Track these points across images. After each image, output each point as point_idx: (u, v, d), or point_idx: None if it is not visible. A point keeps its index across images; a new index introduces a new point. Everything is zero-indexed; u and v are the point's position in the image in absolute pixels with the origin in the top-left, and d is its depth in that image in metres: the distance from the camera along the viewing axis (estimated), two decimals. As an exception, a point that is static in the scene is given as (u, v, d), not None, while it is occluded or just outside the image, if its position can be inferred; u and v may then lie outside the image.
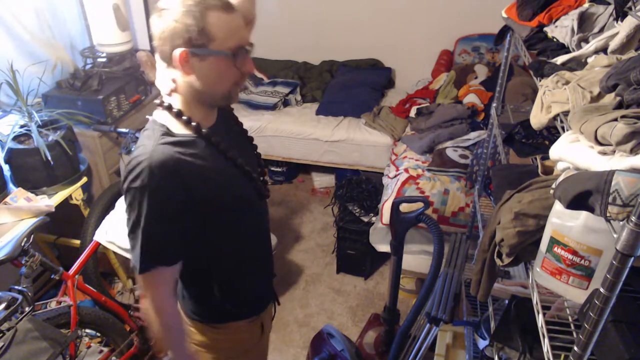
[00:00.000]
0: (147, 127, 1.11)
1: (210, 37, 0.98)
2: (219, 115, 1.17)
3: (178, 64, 0.99)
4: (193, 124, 1.07)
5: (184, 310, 1.30)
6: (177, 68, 1.00)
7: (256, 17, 1.27)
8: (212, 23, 0.97)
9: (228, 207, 1.12)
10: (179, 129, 1.07)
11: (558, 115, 1.06)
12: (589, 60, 1.13)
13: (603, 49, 1.13)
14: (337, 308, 2.71)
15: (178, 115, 1.07)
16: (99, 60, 2.71)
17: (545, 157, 1.43)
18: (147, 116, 1.13)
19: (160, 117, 1.09)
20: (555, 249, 0.93)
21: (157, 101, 1.11)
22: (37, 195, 2.09)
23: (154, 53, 3.35)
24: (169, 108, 1.07)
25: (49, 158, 2.02)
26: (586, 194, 0.73)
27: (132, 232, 1.04)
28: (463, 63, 3.80)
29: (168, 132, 1.06)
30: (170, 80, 1.06)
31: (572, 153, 0.89)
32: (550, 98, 1.10)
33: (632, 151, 0.73)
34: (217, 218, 1.12)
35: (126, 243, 1.90)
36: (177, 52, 0.97)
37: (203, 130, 1.08)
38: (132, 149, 2.26)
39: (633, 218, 0.64)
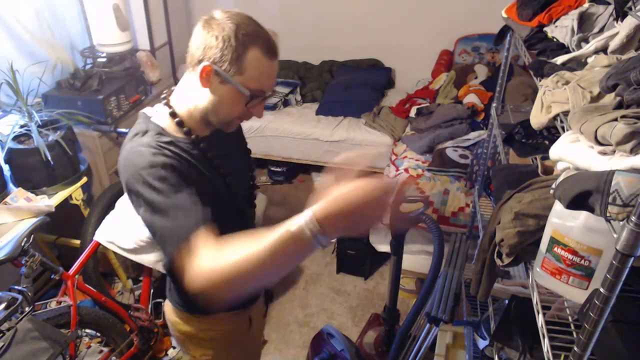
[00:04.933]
0: (140, 122, 1.09)
1: (240, 70, 0.98)
2: None
3: (199, 74, 0.99)
4: (192, 136, 1.07)
5: (171, 301, 1.31)
6: (196, 75, 1.01)
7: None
8: (248, 58, 0.97)
9: None
10: (176, 136, 1.07)
11: (558, 115, 1.06)
12: (589, 60, 1.13)
13: (603, 49, 1.13)
14: (337, 308, 2.71)
15: (179, 124, 1.07)
16: (99, 60, 2.71)
17: (545, 157, 1.42)
18: (142, 110, 1.12)
19: (158, 117, 1.09)
20: (555, 249, 0.92)
21: (163, 97, 1.11)
22: (37, 195, 2.08)
23: (154, 53, 3.35)
24: (173, 115, 1.07)
25: (49, 158, 2.02)
26: (586, 194, 0.73)
27: (156, 212, 0.94)
28: (463, 63, 3.80)
29: (163, 133, 1.06)
30: (185, 83, 1.07)
31: (572, 153, 0.89)
32: (550, 98, 1.10)
33: (632, 151, 0.73)
34: None
35: (126, 243, 1.93)
36: (204, 64, 0.97)
37: (201, 144, 1.08)
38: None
39: (633, 218, 0.64)
